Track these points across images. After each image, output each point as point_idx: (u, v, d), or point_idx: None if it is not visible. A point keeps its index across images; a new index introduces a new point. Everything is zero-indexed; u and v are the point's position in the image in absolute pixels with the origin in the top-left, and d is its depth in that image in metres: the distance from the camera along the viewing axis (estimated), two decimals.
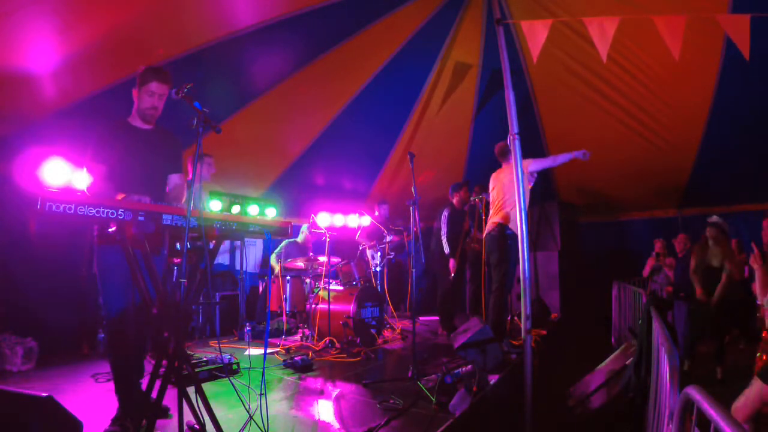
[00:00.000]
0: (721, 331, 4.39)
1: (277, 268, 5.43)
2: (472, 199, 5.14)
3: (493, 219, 4.22)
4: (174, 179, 2.62)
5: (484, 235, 4.38)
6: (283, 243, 5.72)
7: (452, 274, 5.07)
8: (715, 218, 4.58)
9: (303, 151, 5.97)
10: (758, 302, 2.79)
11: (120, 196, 2.08)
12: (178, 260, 2.65)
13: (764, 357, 2.67)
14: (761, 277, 2.67)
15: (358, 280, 5.25)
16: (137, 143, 2.45)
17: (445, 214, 5.16)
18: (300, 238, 5.89)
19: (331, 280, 4.93)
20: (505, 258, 4.08)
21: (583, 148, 4.03)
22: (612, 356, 4.07)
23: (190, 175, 3.81)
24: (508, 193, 4.10)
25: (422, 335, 5.14)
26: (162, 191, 2.55)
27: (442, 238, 5.11)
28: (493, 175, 4.43)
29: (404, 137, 6.35)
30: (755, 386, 2.14)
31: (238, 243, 6.12)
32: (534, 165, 4.07)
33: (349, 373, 3.49)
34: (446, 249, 5.08)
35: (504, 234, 4.07)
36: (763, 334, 2.62)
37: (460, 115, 6.11)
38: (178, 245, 2.07)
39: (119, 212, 1.80)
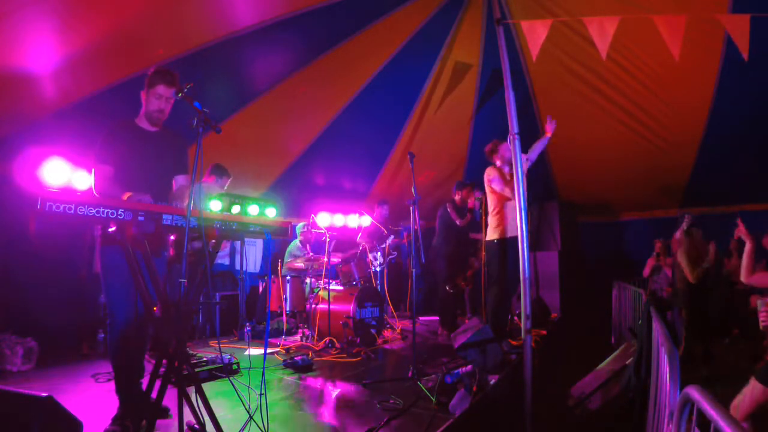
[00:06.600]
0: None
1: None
2: (476, 199, 5.13)
3: (492, 233, 4.18)
4: (180, 180, 2.60)
5: (483, 240, 4.37)
6: (292, 244, 5.72)
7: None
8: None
9: (303, 151, 5.96)
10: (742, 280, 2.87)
11: (126, 195, 2.08)
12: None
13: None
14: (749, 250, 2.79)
15: (358, 280, 5.24)
16: (143, 145, 2.44)
17: (448, 208, 5.18)
18: (299, 238, 5.89)
19: (331, 280, 4.93)
20: (504, 263, 4.07)
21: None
22: (612, 356, 4.07)
23: (205, 177, 3.81)
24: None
25: (422, 335, 5.13)
26: (168, 194, 2.53)
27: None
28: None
29: (404, 137, 6.34)
30: (751, 386, 2.14)
31: (237, 243, 6.12)
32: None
33: (349, 373, 3.49)
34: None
35: (504, 247, 4.04)
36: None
37: (460, 115, 6.11)
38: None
39: (119, 212, 1.80)
